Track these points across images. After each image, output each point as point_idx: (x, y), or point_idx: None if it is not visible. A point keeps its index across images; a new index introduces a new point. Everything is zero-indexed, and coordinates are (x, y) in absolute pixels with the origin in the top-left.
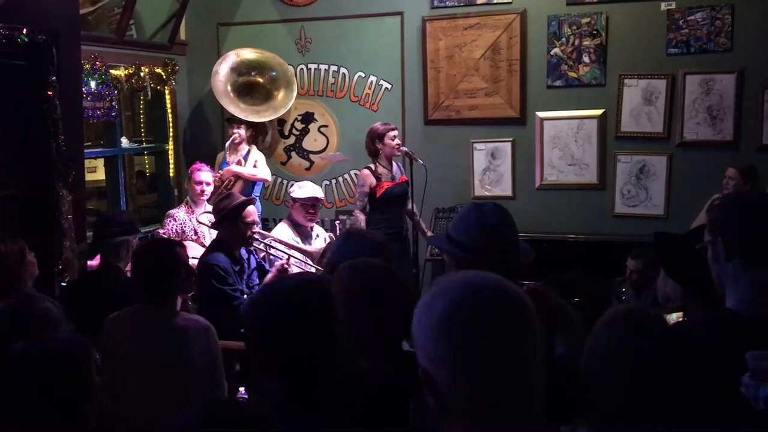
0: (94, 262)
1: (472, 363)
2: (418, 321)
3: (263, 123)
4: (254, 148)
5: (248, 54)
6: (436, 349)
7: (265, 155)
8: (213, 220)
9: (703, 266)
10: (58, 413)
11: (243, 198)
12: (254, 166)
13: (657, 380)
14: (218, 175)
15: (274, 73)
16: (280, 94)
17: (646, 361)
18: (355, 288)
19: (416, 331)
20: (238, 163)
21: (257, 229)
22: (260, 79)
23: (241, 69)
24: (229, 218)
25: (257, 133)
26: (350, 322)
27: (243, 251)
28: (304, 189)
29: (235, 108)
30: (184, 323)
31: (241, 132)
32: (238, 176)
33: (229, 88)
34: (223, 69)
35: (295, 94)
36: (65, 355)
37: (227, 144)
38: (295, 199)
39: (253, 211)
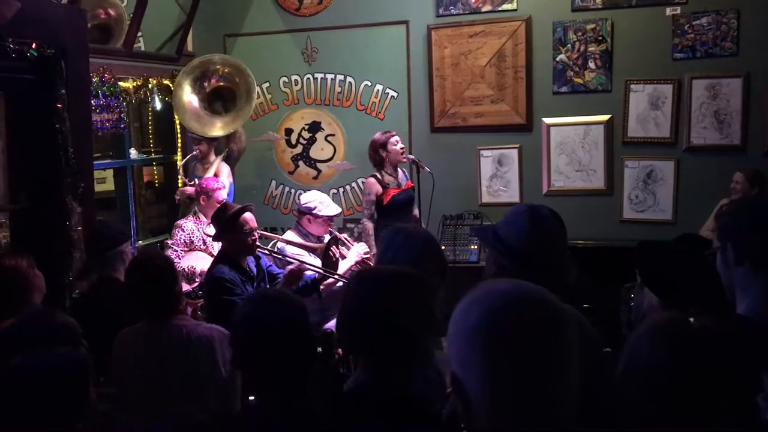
0: None
1: (502, 372)
2: (453, 325)
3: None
4: (218, 160)
5: (213, 59)
6: (468, 354)
7: (236, 160)
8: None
9: (687, 275)
10: (53, 428)
11: (238, 207)
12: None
13: (698, 390)
14: (177, 195)
15: (237, 79)
16: (242, 99)
17: (690, 371)
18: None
19: (451, 336)
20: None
21: (257, 235)
22: (223, 83)
23: (201, 76)
24: (227, 229)
25: (228, 141)
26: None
27: (250, 259)
28: (328, 206)
29: (194, 124)
30: (207, 331)
31: (201, 148)
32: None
33: (197, 100)
34: (185, 82)
35: (252, 104)
36: (63, 369)
37: (183, 161)
38: (318, 216)
39: (250, 218)
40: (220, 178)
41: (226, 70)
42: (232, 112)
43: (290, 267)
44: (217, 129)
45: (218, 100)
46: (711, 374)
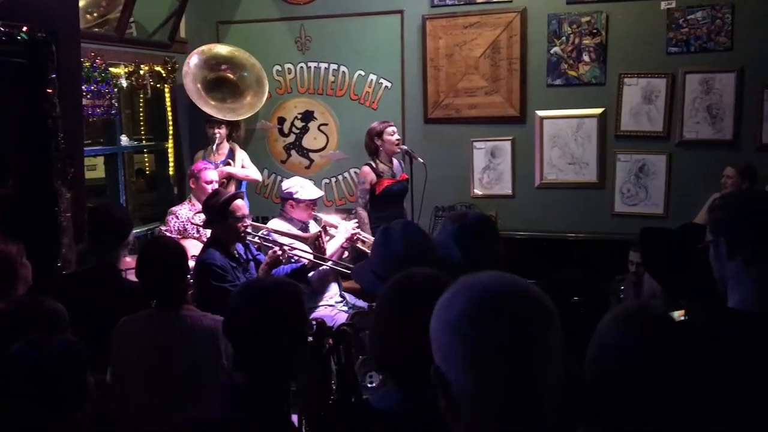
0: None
1: (486, 361)
2: (435, 318)
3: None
4: (237, 147)
5: (219, 49)
6: (450, 346)
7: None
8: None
9: (688, 264)
10: (52, 417)
11: (230, 193)
12: (242, 166)
13: (667, 381)
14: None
15: (245, 74)
16: (250, 91)
17: (657, 361)
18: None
19: (433, 328)
20: (227, 163)
21: (249, 222)
22: (231, 75)
23: (211, 63)
24: (219, 215)
25: (232, 129)
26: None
27: (239, 246)
28: (308, 189)
29: (211, 108)
30: (212, 323)
31: (221, 132)
32: (230, 176)
33: (198, 85)
34: (192, 66)
35: (266, 92)
36: (61, 358)
37: (214, 146)
38: (300, 200)
39: (242, 205)
40: (248, 166)
41: (240, 72)
42: (240, 98)
43: (272, 251)
44: (245, 110)
45: (217, 89)
46: (682, 366)
